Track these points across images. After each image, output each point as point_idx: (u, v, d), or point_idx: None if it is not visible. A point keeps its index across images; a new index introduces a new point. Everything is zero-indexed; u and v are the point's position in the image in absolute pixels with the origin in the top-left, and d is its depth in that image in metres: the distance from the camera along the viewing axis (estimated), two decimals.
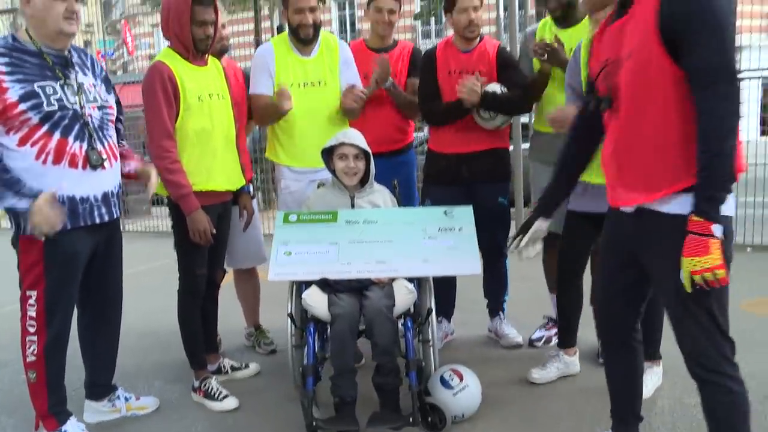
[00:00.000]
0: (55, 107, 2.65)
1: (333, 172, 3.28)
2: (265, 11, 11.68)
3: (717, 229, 1.86)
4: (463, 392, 2.89)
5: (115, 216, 2.90)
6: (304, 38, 3.58)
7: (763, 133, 10.19)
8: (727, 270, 1.88)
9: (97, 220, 2.79)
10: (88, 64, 2.90)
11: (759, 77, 7.00)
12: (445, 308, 3.88)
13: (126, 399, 3.22)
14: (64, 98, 2.69)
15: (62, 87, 2.70)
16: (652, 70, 1.96)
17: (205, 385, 3.30)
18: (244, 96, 3.71)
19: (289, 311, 2.97)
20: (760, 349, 3.65)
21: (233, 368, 3.62)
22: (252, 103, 3.70)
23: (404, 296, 2.89)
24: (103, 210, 2.82)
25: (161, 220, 9.00)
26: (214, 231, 3.16)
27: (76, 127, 2.70)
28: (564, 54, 3.32)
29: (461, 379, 2.93)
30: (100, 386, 3.16)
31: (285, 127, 3.62)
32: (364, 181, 3.29)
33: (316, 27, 3.59)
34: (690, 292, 1.91)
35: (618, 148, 2.13)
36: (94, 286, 2.96)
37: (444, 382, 2.92)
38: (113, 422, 3.15)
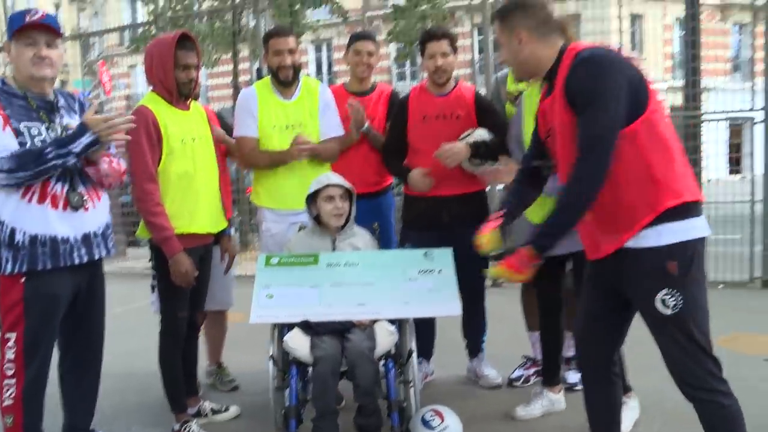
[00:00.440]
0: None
1: (315, 217, 3.32)
2: (244, 52, 11.78)
3: (539, 262, 2.29)
4: None
5: (96, 257, 2.90)
6: (283, 80, 3.66)
7: (731, 172, 10.48)
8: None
9: (77, 261, 2.79)
10: (75, 108, 2.93)
11: (725, 118, 7.20)
12: (425, 349, 3.89)
13: None
14: (48, 140, 2.71)
15: (47, 129, 2.73)
16: (570, 134, 2.26)
17: (185, 428, 3.28)
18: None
19: (271, 353, 2.98)
20: (738, 383, 3.70)
21: (213, 411, 3.60)
22: (238, 145, 3.75)
23: (385, 338, 2.92)
24: (83, 251, 2.82)
25: (137, 261, 8.96)
26: (196, 273, 3.18)
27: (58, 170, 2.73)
28: None
29: (442, 419, 2.94)
30: (79, 431, 3.12)
31: (267, 170, 3.68)
32: (344, 223, 3.34)
33: (296, 69, 3.67)
34: (664, 316, 2.18)
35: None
36: (76, 328, 2.94)
37: (425, 423, 2.92)
38: None
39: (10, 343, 2.71)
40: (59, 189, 2.73)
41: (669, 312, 2.18)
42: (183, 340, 3.33)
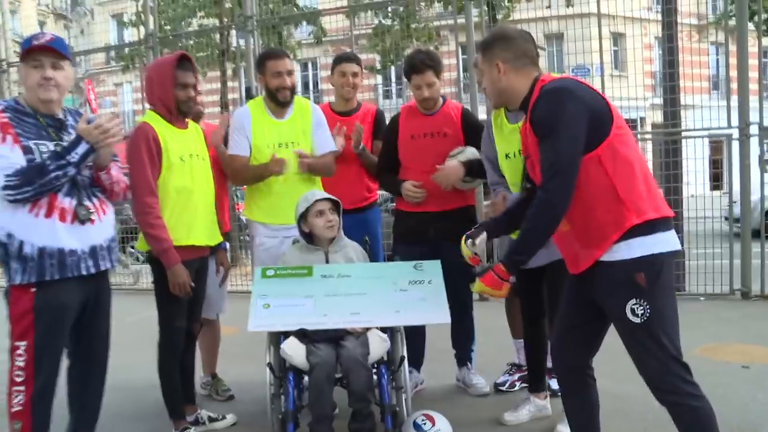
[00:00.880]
0: None
1: (306, 235, 3.44)
2: (229, 72, 11.93)
3: (512, 279, 2.48)
4: None
5: (102, 268, 3.00)
6: (282, 100, 3.79)
7: (713, 188, 10.67)
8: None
9: (84, 272, 2.90)
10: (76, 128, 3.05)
11: (707, 135, 7.39)
12: (416, 358, 4.00)
13: None
14: None
15: (56, 147, 2.84)
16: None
17: None
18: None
19: (268, 361, 3.09)
20: (720, 389, 3.87)
21: (211, 419, 3.70)
22: (230, 163, 3.87)
23: (378, 345, 3.05)
24: (90, 262, 2.92)
25: (127, 277, 9.02)
26: (193, 284, 3.29)
27: (67, 185, 2.84)
28: None
29: (433, 423, 3.07)
30: None
31: (261, 186, 3.80)
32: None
33: (293, 90, 3.80)
34: (634, 324, 2.33)
35: (567, 223, 2.49)
36: (83, 337, 3.04)
37: (417, 427, 3.05)
38: None
39: (20, 351, 2.81)
40: (67, 203, 2.84)
41: (638, 320, 2.34)
42: (181, 350, 3.43)
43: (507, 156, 3.36)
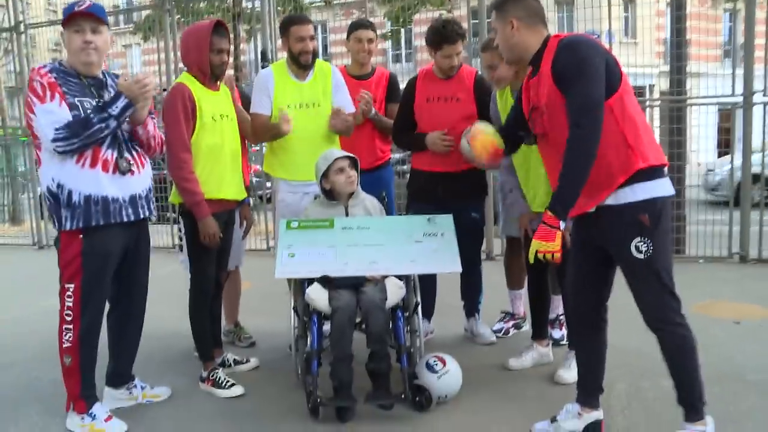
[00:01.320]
0: None
1: (327, 191, 3.68)
2: (243, 34, 12.09)
3: (562, 224, 2.59)
4: (446, 375, 3.30)
5: (141, 216, 3.27)
6: (303, 64, 3.99)
7: (719, 155, 10.81)
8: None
9: (125, 219, 3.17)
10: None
11: (715, 103, 7.54)
12: (427, 309, 4.26)
13: (142, 388, 3.57)
14: None
15: (97, 103, 3.09)
16: (562, 113, 2.62)
17: (213, 375, 3.66)
18: None
19: (294, 305, 3.36)
20: (712, 341, 4.16)
21: (236, 362, 3.99)
22: (251, 121, 4.10)
23: (395, 291, 3.31)
24: (130, 210, 3.19)
25: (152, 235, 9.31)
26: (222, 235, 3.55)
27: (109, 138, 3.09)
28: None
29: (444, 364, 3.33)
30: (120, 375, 3.51)
31: (283, 144, 4.02)
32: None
33: (315, 54, 4.01)
34: (638, 260, 2.59)
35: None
36: (124, 281, 3.32)
37: (429, 367, 3.32)
38: (130, 408, 3.48)
39: (69, 293, 3.10)
40: (109, 155, 3.10)
41: (642, 256, 2.61)
42: (211, 296, 3.70)
43: None
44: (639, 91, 16.72)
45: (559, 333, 4.13)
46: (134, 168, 3.20)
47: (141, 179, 3.26)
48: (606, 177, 2.62)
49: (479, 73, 4.13)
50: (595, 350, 2.97)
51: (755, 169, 6.78)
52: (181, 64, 8.97)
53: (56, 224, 3.12)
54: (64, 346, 3.15)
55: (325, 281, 3.30)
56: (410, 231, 3.55)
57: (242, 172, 3.85)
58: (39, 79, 2.99)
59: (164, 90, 3.47)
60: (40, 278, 7.46)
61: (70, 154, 3.00)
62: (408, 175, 4.36)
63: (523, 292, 4.38)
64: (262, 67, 8.11)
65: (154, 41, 12.41)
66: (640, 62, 9.37)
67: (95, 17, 3.08)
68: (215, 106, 3.57)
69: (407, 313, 3.39)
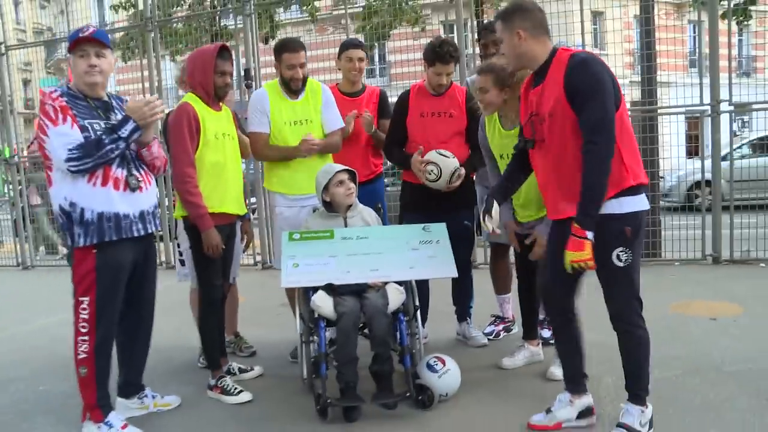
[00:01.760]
0: None
1: (327, 203, 3.87)
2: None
3: (589, 234, 2.76)
4: (446, 375, 3.49)
5: (150, 231, 3.43)
6: (294, 89, 4.21)
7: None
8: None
9: (135, 234, 3.33)
10: (124, 107, 3.45)
11: (683, 112, 7.85)
12: (421, 315, 4.42)
13: (152, 397, 3.71)
14: None
15: (105, 125, 3.25)
16: (567, 122, 2.84)
17: (221, 382, 3.81)
18: None
19: (299, 313, 3.54)
20: (689, 338, 4.46)
21: (241, 370, 4.14)
22: (252, 140, 4.27)
23: (396, 296, 3.51)
24: (140, 225, 3.35)
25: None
26: (224, 247, 3.71)
27: (118, 158, 3.25)
28: None
29: (444, 364, 3.53)
30: (132, 385, 3.64)
31: (281, 161, 4.20)
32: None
33: (304, 79, 4.21)
34: (617, 267, 2.82)
35: (556, 176, 2.97)
36: (133, 294, 3.45)
37: (430, 367, 3.51)
38: (142, 417, 3.61)
39: (84, 305, 3.23)
40: (120, 174, 3.26)
41: (621, 265, 2.85)
42: (220, 306, 3.85)
43: (501, 156, 3.82)
44: None
45: (548, 333, 4.35)
46: (142, 185, 3.36)
47: (148, 196, 3.42)
48: None
49: (469, 92, 4.33)
50: (571, 339, 3.22)
51: (706, 175, 7.11)
52: (165, 83, 9.17)
53: (69, 241, 3.26)
54: (79, 357, 3.28)
55: (329, 289, 3.48)
56: (407, 239, 3.75)
57: (242, 189, 4.02)
58: (51, 103, 3.15)
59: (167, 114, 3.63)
60: (30, 298, 7.58)
61: (83, 174, 3.15)
62: (397, 187, 4.58)
63: (512, 296, 4.60)
64: (246, 86, 8.33)
65: (129, 61, 12.54)
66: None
67: (99, 42, 3.25)
68: (218, 125, 3.75)
69: (408, 317, 3.57)
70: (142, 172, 3.40)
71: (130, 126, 3.21)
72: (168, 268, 8.22)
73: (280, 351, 4.57)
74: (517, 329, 4.51)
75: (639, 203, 2.86)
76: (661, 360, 3.89)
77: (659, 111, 7.59)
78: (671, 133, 7.76)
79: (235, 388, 3.78)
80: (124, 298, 3.42)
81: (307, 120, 4.24)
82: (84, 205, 3.19)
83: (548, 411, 3.21)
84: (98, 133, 3.19)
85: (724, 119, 6.95)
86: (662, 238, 7.39)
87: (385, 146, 4.47)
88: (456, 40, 6.99)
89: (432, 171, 3.98)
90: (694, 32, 17.70)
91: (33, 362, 4.80)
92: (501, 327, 4.69)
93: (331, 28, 16.63)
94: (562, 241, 3.00)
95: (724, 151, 7.27)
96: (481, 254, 7.00)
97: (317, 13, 13.45)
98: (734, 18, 9.24)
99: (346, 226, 3.84)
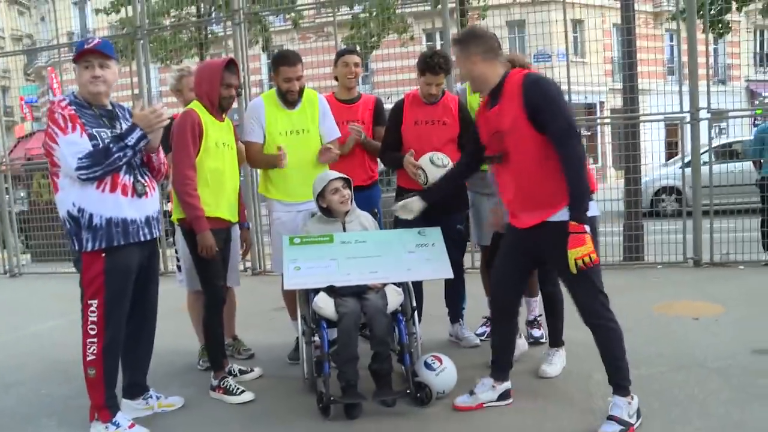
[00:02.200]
0: None
1: (325, 209, 4.00)
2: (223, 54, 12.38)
3: (586, 228, 3.00)
4: (443, 373, 3.63)
5: (155, 235, 3.54)
6: (290, 100, 4.33)
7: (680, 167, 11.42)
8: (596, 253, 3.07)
9: (142, 238, 3.43)
10: (128, 116, 3.55)
11: (662, 119, 8.07)
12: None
13: (157, 398, 3.80)
14: None
15: (111, 134, 3.35)
16: (526, 138, 3.13)
17: (223, 383, 3.92)
18: None
19: (301, 314, 3.66)
20: (673, 336, 4.64)
21: (241, 371, 4.25)
22: (246, 148, 4.39)
23: (395, 297, 3.66)
24: (146, 230, 3.46)
25: None
26: (218, 249, 3.81)
27: (125, 165, 3.35)
28: None
29: (441, 362, 3.66)
30: (136, 386, 3.74)
31: (277, 169, 4.32)
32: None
33: (300, 91, 4.34)
34: (576, 271, 3.02)
35: (517, 189, 3.24)
36: (137, 297, 3.55)
37: (427, 365, 3.64)
38: (147, 417, 3.70)
39: (93, 308, 3.33)
40: (127, 180, 3.37)
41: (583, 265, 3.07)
42: (222, 306, 3.96)
43: None
44: (590, 109, 17.44)
45: (539, 332, 4.51)
46: (148, 190, 3.47)
47: (153, 201, 3.53)
48: (551, 198, 3.13)
49: (461, 101, 4.49)
50: (508, 334, 3.55)
51: (669, 181, 7.32)
52: (155, 89, 9.25)
53: (77, 246, 3.34)
54: (88, 359, 3.37)
55: (331, 291, 3.61)
56: (404, 243, 3.89)
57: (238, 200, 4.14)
58: (60, 111, 3.24)
59: (171, 119, 3.72)
60: (20, 305, 7.61)
61: (92, 181, 3.25)
62: (390, 193, 4.71)
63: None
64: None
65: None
66: (590, 80, 9.87)
67: (102, 54, 3.36)
68: (219, 134, 3.87)
69: (406, 317, 3.70)
70: (147, 179, 3.50)
71: (137, 134, 3.32)
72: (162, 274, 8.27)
73: (277, 353, 4.68)
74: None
75: (592, 209, 3.13)
76: (647, 358, 4.07)
77: (641, 118, 7.79)
78: (653, 140, 7.99)
79: (238, 388, 3.88)
80: (131, 299, 3.51)
81: (304, 130, 4.36)
82: (93, 211, 3.28)
83: (471, 393, 3.53)
84: (105, 141, 3.28)
85: (702, 126, 7.17)
86: (645, 242, 7.60)
87: (380, 152, 4.59)
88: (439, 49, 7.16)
89: (419, 176, 4.13)
90: (672, 41, 18.12)
91: (30, 367, 4.88)
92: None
93: (314, 36, 16.80)
94: (514, 245, 3.35)
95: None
96: (468, 259, 7.15)
97: (301, 21, 13.60)
98: (716, 30, 9.49)
99: (344, 230, 3.96)
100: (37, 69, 32.96)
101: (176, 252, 4.58)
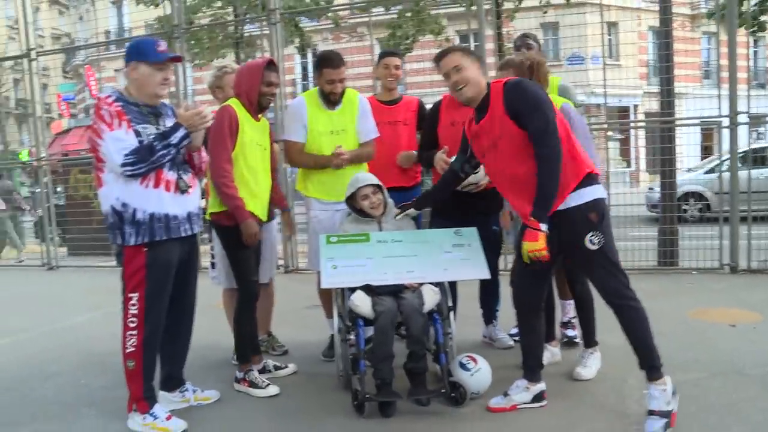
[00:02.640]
0: None
1: (359, 210, 4.04)
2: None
3: (543, 226, 3.11)
4: (478, 373, 3.64)
5: (195, 231, 3.61)
6: (332, 101, 4.37)
7: (705, 172, 11.29)
8: (547, 249, 3.16)
9: (183, 234, 3.50)
10: (171, 114, 3.62)
11: (698, 124, 7.97)
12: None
13: (193, 391, 3.86)
14: None
15: (156, 130, 3.42)
16: (516, 137, 3.23)
17: (248, 375, 3.98)
18: None
19: (338, 312, 3.70)
20: (710, 342, 4.60)
21: (276, 367, 4.29)
22: (286, 147, 4.44)
23: (431, 296, 3.67)
24: (187, 226, 3.53)
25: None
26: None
27: (169, 162, 3.41)
28: None
29: (476, 362, 3.67)
30: (174, 379, 3.80)
31: (318, 167, 4.37)
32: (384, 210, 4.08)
33: (342, 93, 4.38)
34: (592, 251, 3.17)
35: (518, 189, 3.30)
36: (177, 292, 3.61)
37: (462, 366, 3.65)
38: (183, 410, 3.76)
39: (133, 301, 3.39)
40: (171, 176, 3.43)
41: (595, 247, 3.17)
42: (255, 300, 4.01)
43: None
44: (624, 112, 17.28)
45: (572, 332, 4.51)
46: (189, 187, 3.53)
47: (194, 198, 3.59)
48: (560, 187, 3.18)
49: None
50: (534, 332, 3.57)
51: (691, 187, 7.21)
52: (191, 88, 9.37)
53: (120, 240, 3.41)
54: (127, 351, 3.43)
55: (368, 289, 3.63)
56: (440, 243, 3.90)
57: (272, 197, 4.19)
58: (107, 108, 3.31)
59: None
60: (57, 297, 7.77)
61: (136, 177, 3.32)
62: None
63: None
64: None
65: None
66: (625, 83, 9.78)
67: (178, 60, 3.57)
68: (254, 134, 3.94)
69: (442, 317, 3.71)
70: (189, 175, 3.57)
71: (180, 133, 3.38)
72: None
73: (310, 351, 4.72)
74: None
75: (597, 191, 3.24)
76: (683, 363, 4.03)
77: (677, 123, 7.70)
78: (690, 144, 7.90)
79: (263, 382, 3.95)
80: (171, 293, 3.57)
81: (344, 130, 4.39)
82: (136, 206, 3.35)
83: (506, 394, 3.52)
84: (150, 137, 3.35)
85: (741, 130, 7.06)
86: (680, 247, 7.52)
87: (418, 153, 4.61)
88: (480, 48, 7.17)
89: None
90: (709, 44, 17.89)
91: (68, 359, 4.98)
92: None
93: (347, 36, 16.89)
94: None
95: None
96: (502, 261, 7.12)
97: (338, 22, 13.68)
98: (755, 32, 9.34)
99: (380, 230, 3.98)
100: (75, 67, 33.68)
101: (211, 249, 4.63)
